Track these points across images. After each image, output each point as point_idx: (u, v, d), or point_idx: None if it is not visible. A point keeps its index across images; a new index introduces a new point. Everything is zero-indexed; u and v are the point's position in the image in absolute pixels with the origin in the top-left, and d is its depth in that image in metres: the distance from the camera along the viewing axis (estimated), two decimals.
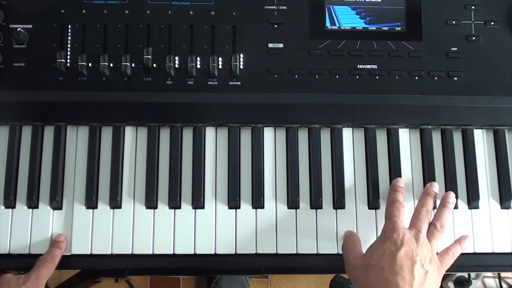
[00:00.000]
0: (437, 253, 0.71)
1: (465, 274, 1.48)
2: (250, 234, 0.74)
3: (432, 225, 0.71)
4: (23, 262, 0.74)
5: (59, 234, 0.74)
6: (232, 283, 1.41)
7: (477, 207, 0.77)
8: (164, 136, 0.77)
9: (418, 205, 0.73)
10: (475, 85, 0.78)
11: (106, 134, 0.77)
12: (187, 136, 0.78)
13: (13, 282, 0.68)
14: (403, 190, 0.74)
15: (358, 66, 0.78)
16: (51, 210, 0.75)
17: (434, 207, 0.75)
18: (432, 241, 0.70)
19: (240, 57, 0.77)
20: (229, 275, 1.39)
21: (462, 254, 0.75)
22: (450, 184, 0.77)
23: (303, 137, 0.78)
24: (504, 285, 1.50)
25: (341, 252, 0.73)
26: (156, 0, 0.78)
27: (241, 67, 0.77)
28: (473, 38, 0.79)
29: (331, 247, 0.74)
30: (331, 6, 0.80)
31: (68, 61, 0.76)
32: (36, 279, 0.69)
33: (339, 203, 0.76)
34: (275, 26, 0.78)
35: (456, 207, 0.76)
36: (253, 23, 0.78)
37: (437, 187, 0.75)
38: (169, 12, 0.78)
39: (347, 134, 0.79)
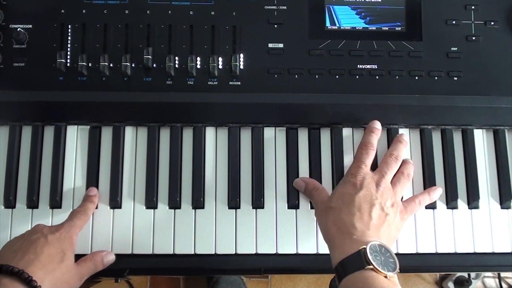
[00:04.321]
0: (404, 201, 0.72)
1: (465, 274, 1.49)
2: (250, 234, 0.74)
3: (399, 172, 0.73)
4: None
5: (91, 188, 0.74)
6: (228, 286, 1.41)
7: (477, 207, 0.77)
8: (164, 136, 0.77)
9: (388, 151, 0.74)
10: (475, 85, 0.78)
11: (106, 134, 0.77)
12: (187, 136, 0.78)
13: (46, 229, 0.68)
14: (378, 132, 0.75)
15: (358, 66, 0.78)
16: (51, 210, 0.75)
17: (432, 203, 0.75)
18: (397, 186, 0.71)
19: (240, 57, 0.77)
20: (227, 278, 1.39)
21: (462, 254, 0.75)
22: (450, 184, 0.76)
23: (303, 137, 0.78)
24: (504, 285, 1.50)
25: None
26: (156, 0, 0.78)
27: (241, 67, 0.77)
28: (473, 38, 0.79)
29: None
30: (331, 6, 0.80)
31: (68, 61, 0.76)
32: (69, 227, 0.69)
33: None
34: (275, 26, 0.78)
35: (456, 207, 0.77)
36: (253, 23, 0.78)
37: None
38: (169, 12, 0.78)
39: (347, 134, 0.79)
